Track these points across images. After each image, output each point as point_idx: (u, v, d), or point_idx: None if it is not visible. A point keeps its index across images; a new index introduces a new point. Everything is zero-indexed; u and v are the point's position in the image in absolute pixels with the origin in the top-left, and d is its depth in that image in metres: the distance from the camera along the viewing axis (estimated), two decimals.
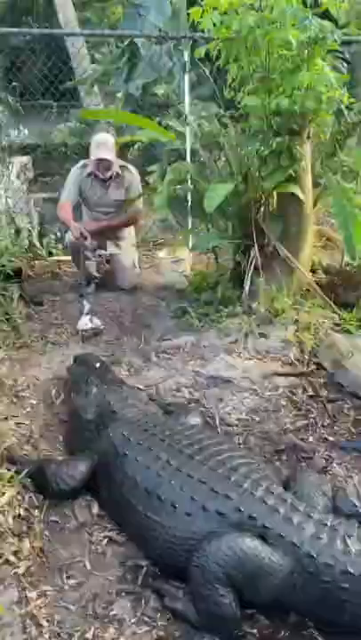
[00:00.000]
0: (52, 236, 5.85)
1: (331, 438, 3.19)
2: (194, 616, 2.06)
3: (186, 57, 5.35)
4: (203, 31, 4.30)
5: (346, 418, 3.35)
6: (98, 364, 3.47)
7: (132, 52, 6.98)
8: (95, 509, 2.65)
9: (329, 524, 2.15)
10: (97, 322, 4.49)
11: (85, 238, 4.77)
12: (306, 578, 2.03)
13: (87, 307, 4.59)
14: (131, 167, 5.20)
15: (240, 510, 2.15)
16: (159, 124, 4.82)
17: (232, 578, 2.00)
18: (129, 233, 5.35)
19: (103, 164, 4.89)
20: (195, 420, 3.10)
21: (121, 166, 5.09)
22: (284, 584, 2.04)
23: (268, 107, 3.74)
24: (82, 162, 5.19)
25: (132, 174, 5.14)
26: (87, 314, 4.53)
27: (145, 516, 2.30)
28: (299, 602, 2.07)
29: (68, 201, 5.08)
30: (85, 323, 4.47)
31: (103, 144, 4.86)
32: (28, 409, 3.40)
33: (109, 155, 4.88)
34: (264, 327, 4.09)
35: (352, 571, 2.01)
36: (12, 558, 2.27)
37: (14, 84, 7.14)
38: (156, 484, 2.32)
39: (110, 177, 5.00)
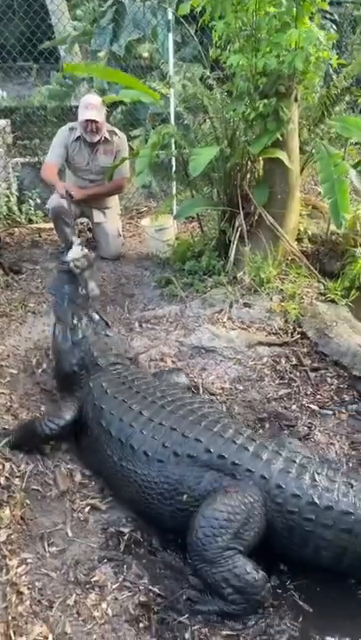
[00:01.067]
0: (32, 203, 5.67)
1: (313, 407, 3.20)
2: (225, 605, 2.06)
3: (170, 15, 5.13)
4: None
5: (328, 386, 3.36)
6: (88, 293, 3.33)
7: (117, 10, 6.67)
8: (77, 477, 2.64)
9: (298, 461, 2.25)
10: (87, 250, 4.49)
11: (71, 197, 4.66)
12: (274, 509, 2.13)
13: (77, 241, 4.46)
14: (119, 132, 5.01)
15: (210, 451, 2.26)
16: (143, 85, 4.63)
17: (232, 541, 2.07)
18: (114, 201, 5.21)
19: (91, 126, 4.69)
20: (179, 379, 3.18)
21: (109, 131, 4.90)
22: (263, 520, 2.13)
23: (255, 67, 3.60)
24: (70, 124, 4.98)
25: (121, 140, 4.96)
26: (78, 245, 4.51)
27: (120, 466, 2.41)
28: (269, 536, 2.15)
29: (52, 162, 4.90)
30: (77, 252, 4.38)
31: (92, 105, 4.65)
32: (8, 378, 3.34)
33: (98, 116, 4.67)
34: (249, 297, 4.05)
35: (318, 502, 2.11)
36: None
37: None
38: (129, 434, 2.43)
39: (98, 141, 4.81)
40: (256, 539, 2.12)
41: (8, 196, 5.60)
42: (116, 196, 5.23)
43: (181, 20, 4.58)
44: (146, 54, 6.84)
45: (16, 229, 5.49)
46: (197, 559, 2.06)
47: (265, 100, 3.62)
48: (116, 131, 4.99)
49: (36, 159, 5.92)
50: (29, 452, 2.71)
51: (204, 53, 4.78)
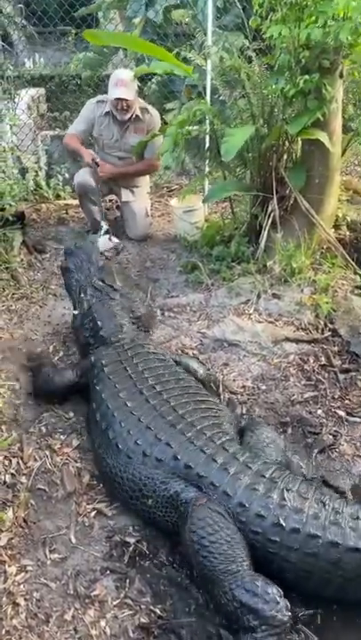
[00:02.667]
0: (60, 178, 5.50)
1: (341, 413, 2.99)
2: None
3: None
4: None
5: (359, 391, 3.13)
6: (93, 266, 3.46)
7: None
8: (86, 478, 2.53)
9: (268, 475, 2.11)
10: (115, 240, 4.60)
11: (97, 165, 4.55)
12: (239, 526, 2.00)
13: (104, 227, 4.57)
14: (152, 109, 4.75)
15: (177, 458, 2.19)
16: (177, 55, 4.33)
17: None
18: (144, 180, 4.99)
19: (121, 104, 4.45)
20: (192, 364, 3.08)
21: (141, 108, 4.64)
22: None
23: (298, 38, 3.28)
24: (99, 97, 4.76)
25: (153, 118, 4.69)
26: (105, 233, 4.53)
27: (98, 449, 2.46)
28: None
29: (74, 133, 4.72)
30: (105, 243, 4.46)
31: (122, 82, 4.38)
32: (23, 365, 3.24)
33: (129, 94, 4.42)
34: (278, 287, 3.82)
35: (284, 524, 1.96)
36: None
37: (22, 7, 6.53)
38: (110, 422, 2.43)
39: (129, 119, 4.57)
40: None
41: (36, 171, 5.45)
42: (147, 176, 5.01)
43: None
44: (185, 20, 6.47)
45: (43, 205, 5.35)
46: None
47: (306, 76, 3.30)
48: (149, 108, 4.72)
49: (66, 132, 5.72)
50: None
51: (247, 21, 4.44)
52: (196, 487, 2.11)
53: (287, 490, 2.06)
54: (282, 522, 1.97)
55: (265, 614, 1.83)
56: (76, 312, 3.28)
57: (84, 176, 4.65)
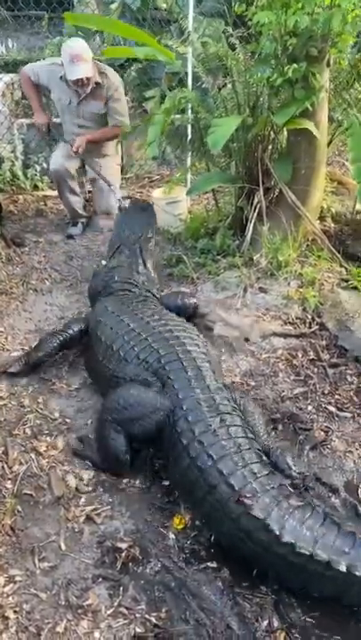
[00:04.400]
0: (38, 168, 5.33)
1: (331, 408, 2.96)
2: (96, 457, 2.51)
3: None
4: None
5: (348, 385, 3.11)
6: (141, 234, 3.70)
7: None
8: (73, 482, 2.44)
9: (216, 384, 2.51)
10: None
11: (49, 131, 4.58)
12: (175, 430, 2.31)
13: (118, 194, 4.58)
14: (110, 71, 4.53)
15: (160, 361, 2.58)
16: (158, 42, 4.20)
17: (120, 420, 2.41)
18: (112, 148, 4.79)
19: (82, 81, 4.28)
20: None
21: (100, 73, 4.44)
22: (160, 422, 2.38)
23: (285, 25, 3.20)
24: (57, 60, 4.51)
25: (111, 80, 4.51)
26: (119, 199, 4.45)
27: (101, 363, 2.81)
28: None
29: (32, 77, 4.54)
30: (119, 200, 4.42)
31: (78, 57, 4.16)
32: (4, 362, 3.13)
33: (88, 71, 4.23)
34: (265, 281, 3.76)
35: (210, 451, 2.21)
36: None
37: None
38: (114, 339, 2.82)
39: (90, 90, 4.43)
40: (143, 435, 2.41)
41: (12, 161, 5.27)
42: (114, 143, 4.76)
43: None
44: (164, 5, 6.31)
45: (20, 197, 5.19)
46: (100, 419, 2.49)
47: (294, 65, 3.23)
48: (107, 71, 4.51)
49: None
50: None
51: (227, 7, 4.33)
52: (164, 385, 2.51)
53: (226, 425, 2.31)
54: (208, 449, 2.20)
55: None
56: (104, 262, 3.69)
57: (58, 161, 4.49)
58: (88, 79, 4.30)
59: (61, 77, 4.40)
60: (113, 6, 6.03)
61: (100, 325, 2.97)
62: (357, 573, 1.89)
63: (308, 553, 1.92)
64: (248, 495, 2.05)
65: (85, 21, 4.08)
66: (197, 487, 2.18)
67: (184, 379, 2.48)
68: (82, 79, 4.25)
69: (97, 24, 4.07)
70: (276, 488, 2.13)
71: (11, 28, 8.14)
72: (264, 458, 2.30)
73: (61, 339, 3.13)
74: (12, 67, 6.57)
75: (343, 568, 1.89)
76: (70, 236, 4.62)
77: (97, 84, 4.42)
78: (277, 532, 1.96)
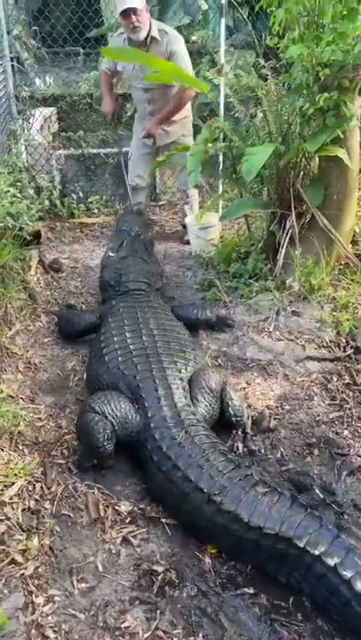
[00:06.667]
0: (75, 196, 5.53)
1: None
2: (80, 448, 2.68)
3: None
4: None
5: None
6: (140, 231, 4.06)
7: None
8: (110, 503, 2.47)
9: (183, 416, 2.57)
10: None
11: (114, 118, 5.00)
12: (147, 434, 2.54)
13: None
14: (170, 30, 4.52)
15: (135, 377, 2.77)
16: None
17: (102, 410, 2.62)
18: (180, 116, 4.78)
19: (131, 19, 4.21)
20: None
21: (160, 30, 4.43)
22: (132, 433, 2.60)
23: (318, 57, 3.28)
24: (119, 29, 4.71)
25: (172, 37, 4.43)
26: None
27: (94, 364, 3.05)
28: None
29: (104, 69, 4.86)
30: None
31: None
32: (43, 386, 3.21)
33: (135, 2, 4.15)
34: (298, 305, 3.78)
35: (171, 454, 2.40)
36: (19, 558, 2.12)
37: (37, 29, 6.61)
38: (108, 344, 3.04)
39: (146, 40, 4.38)
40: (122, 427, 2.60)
41: (51, 190, 5.48)
42: (184, 112, 4.76)
43: (235, 3, 4.27)
44: (194, 38, 6.53)
45: (57, 224, 5.37)
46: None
47: (326, 94, 3.30)
48: (167, 29, 4.52)
49: (80, 151, 5.77)
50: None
51: (258, 39, 4.47)
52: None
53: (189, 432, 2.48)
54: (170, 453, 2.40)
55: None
56: (111, 254, 3.89)
57: (132, 173, 4.96)
58: (139, 19, 4.24)
59: (124, 41, 4.51)
60: None
61: (106, 327, 3.22)
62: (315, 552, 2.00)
63: (274, 533, 2.06)
64: (216, 493, 2.21)
65: (122, 56, 4.26)
66: (172, 497, 2.35)
67: (154, 397, 2.65)
68: (131, 11, 4.18)
69: (133, 58, 4.23)
70: (243, 479, 2.27)
71: (49, 64, 8.53)
72: (229, 455, 2.47)
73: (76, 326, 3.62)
74: (50, 101, 6.87)
75: (302, 544, 2.02)
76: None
77: (153, 38, 4.39)
78: (246, 519, 2.11)
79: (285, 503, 2.16)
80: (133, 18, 4.25)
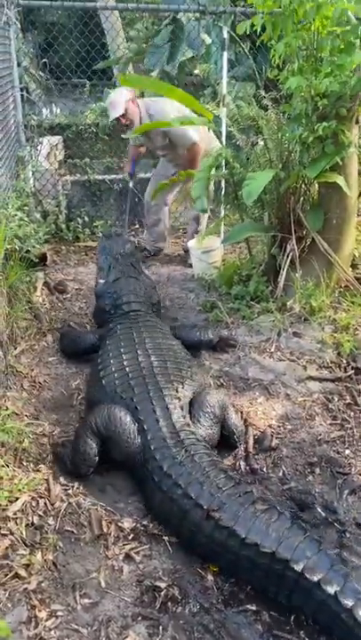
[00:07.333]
0: (80, 221, 5.66)
1: None
2: (67, 458, 2.72)
3: (225, 34, 5.03)
4: (245, 6, 3.98)
5: None
6: (124, 251, 4.12)
7: (173, 30, 6.62)
8: (113, 520, 2.48)
9: (182, 436, 2.59)
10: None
11: (131, 177, 5.45)
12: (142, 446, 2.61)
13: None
14: (155, 111, 4.85)
15: (133, 400, 2.80)
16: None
17: (100, 431, 2.68)
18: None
19: (121, 123, 4.88)
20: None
21: (148, 114, 4.86)
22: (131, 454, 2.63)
23: (316, 88, 3.42)
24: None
25: (157, 109, 4.85)
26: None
27: (91, 388, 3.13)
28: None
29: (132, 144, 5.39)
30: None
31: (111, 103, 4.83)
32: (47, 404, 3.25)
33: (118, 112, 4.75)
34: (298, 326, 3.84)
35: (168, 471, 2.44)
36: (22, 572, 2.13)
37: (46, 61, 6.88)
38: (105, 368, 3.07)
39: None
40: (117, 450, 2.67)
41: (57, 214, 5.61)
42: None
43: (236, 38, 4.47)
44: (196, 71, 6.79)
45: (63, 247, 5.48)
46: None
47: (324, 123, 3.43)
48: (151, 109, 4.86)
49: (86, 177, 5.93)
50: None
51: (258, 72, 4.65)
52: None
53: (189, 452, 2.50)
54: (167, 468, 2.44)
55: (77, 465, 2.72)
56: (102, 281, 3.95)
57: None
58: (126, 119, 4.81)
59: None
60: (154, 73, 6.50)
61: (104, 349, 3.28)
62: (313, 578, 1.96)
63: (270, 552, 2.04)
64: (215, 509, 2.22)
65: (138, 83, 4.50)
66: (173, 515, 2.36)
67: (153, 419, 2.68)
68: (117, 119, 4.84)
69: (148, 86, 4.50)
70: (242, 496, 2.28)
71: (56, 95, 8.82)
72: (229, 472, 2.50)
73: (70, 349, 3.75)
74: (57, 130, 7.09)
75: (299, 568, 1.99)
76: None
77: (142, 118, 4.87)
78: (243, 536, 2.12)
79: (285, 523, 2.16)
80: (122, 120, 4.84)
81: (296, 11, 3.28)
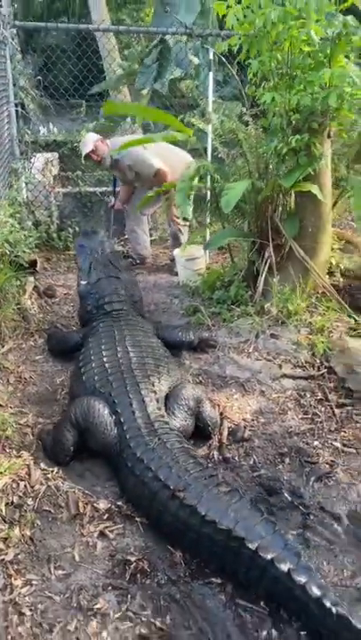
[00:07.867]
0: (71, 230, 5.87)
1: (337, 444, 3.09)
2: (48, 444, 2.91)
3: (211, 55, 5.31)
4: (230, 29, 4.24)
5: (354, 424, 3.24)
6: (103, 249, 4.23)
7: (161, 50, 6.97)
8: (90, 501, 2.61)
9: (156, 426, 2.74)
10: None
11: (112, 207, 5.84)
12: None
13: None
14: (123, 152, 5.14)
15: (110, 394, 2.93)
16: (181, 121, 4.77)
17: (78, 423, 2.83)
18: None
19: (92, 158, 5.29)
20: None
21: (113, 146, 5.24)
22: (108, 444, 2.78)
23: (288, 103, 3.66)
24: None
25: (125, 157, 5.23)
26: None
27: (73, 384, 3.28)
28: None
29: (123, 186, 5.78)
30: None
31: (82, 143, 5.34)
32: (32, 397, 3.40)
33: (88, 148, 5.21)
34: (276, 328, 4.01)
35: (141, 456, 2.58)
36: (0, 545, 2.25)
37: (40, 78, 7.16)
38: (85, 364, 3.21)
39: (111, 164, 5.35)
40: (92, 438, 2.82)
41: (48, 224, 5.82)
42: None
43: (224, 60, 4.73)
44: (190, 91, 7.07)
45: (54, 255, 5.68)
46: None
47: (298, 136, 3.66)
48: (116, 143, 5.26)
49: (77, 189, 6.16)
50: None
51: (244, 92, 4.91)
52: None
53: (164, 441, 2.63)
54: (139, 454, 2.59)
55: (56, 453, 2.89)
56: (83, 282, 4.04)
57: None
58: (96, 156, 5.29)
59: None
60: (144, 92, 6.79)
61: (86, 347, 3.41)
62: (266, 556, 2.08)
63: (226, 529, 2.16)
64: (181, 489, 2.36)
65: (121, 109, 4.78)
66: (144, 497, 2.50)
67: (129, 412, 2.82)
68: (87, 155, 5.28)
69: (130, 110, 4.78)
70: (208, 479, 2.42)
71: (53, 114, 9.12)
72: (198, 458, 2.64)
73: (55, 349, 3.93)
74: (53, 146, 7.36)
75: (253, 547, 2.11)
76: None
77: (115, 160, 5.29)
78: (203, 513, 2.24)
79: (245, 505, 2.29)
80: (93, 156, 5.30)
81: (270, 33, 3.52)
